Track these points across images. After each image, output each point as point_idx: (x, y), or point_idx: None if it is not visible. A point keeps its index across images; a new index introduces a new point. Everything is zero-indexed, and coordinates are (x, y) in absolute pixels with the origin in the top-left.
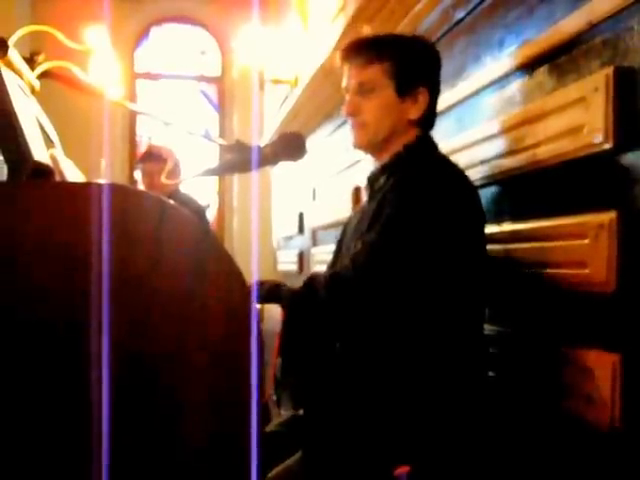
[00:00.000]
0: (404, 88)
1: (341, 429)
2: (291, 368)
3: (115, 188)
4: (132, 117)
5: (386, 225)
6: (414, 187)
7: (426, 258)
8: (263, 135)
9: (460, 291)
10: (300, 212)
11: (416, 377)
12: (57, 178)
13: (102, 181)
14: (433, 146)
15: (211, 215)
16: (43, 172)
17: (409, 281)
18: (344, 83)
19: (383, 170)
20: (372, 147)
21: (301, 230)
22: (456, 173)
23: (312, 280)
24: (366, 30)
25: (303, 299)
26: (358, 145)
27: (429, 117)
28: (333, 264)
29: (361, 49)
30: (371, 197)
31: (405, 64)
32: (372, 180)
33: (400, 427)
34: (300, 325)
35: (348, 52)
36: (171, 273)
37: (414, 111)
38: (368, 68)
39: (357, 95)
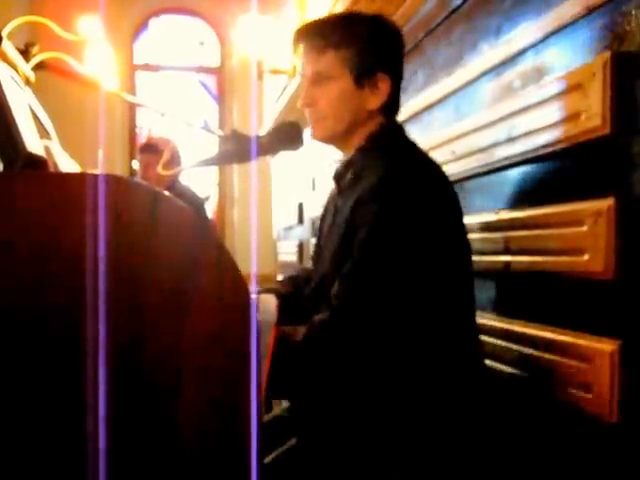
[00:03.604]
0: (362, 76)
1: (334, 426)
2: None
3: (107, 178)
4: (132, 108)
5: (361, 255)
6: (385, 203)
7: (410, 277)
8: (262, 125)
9: (449, 298)
10: (300, 202)
11: (410, 381)
12: (51, 169)
13: (95, 172)
14: (398, 133)
15: (211, 207)
16: (36, 163)
17: (398, 306)
18: (300, 68)
19: (349, 164)
20: (332, 140)
21: (301, 220)
22: (426, 171)
23: (308, 341)
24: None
25: (304, 364)
26: (316, 138)
27: (392, 104)
28: (316, 261)
29: (315, 33)
30: (340, 193)
31: (362, 50)
32: (338, 177)
33: (394, 426)
34: (305, 384)
35: (301, 36)
36: (164, 264)
37: (374, 100)
38: (322, 56)
39: (313, 85)
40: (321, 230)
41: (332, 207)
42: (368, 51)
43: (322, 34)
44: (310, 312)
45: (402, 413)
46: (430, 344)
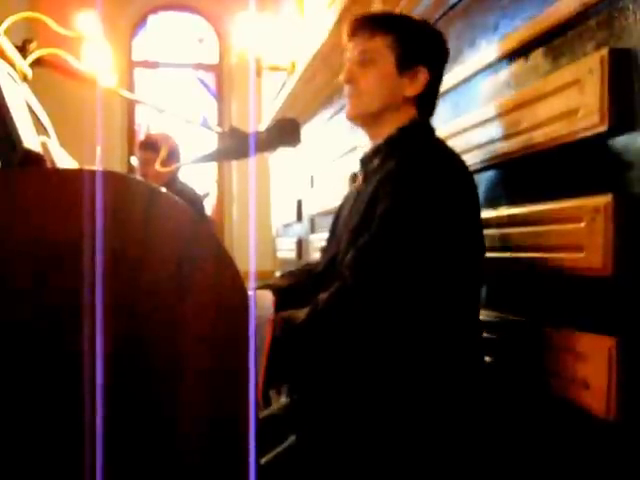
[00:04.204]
0: (404, 63)
1: (335, 417)
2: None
3: (103, 175)
4: (130, 105)
5: (379, 226)
6: (407, 181)
7: (425, 257)
8: (261, 122)
9: (459, 286)
10: (298, 199)
11: (413, 369)
12: (48, 166)
13: (92, 168)
14: (430, 130)
15: (210, 204)
16: (33, 160)
17: (410, 283)
18: (347, 55)
19: (377, 151)
20: (365, 119)
21: (299, 217)
22: (452, 161)
23: (314, 314)
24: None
25: (309, 338)
26: (351, 115)
27: (427, 99)
28: (327, 248)
29: (368, 22)
30: (365, 179)
31: (409, 41)
32: (365, 162)
33: (396, 417)
34: (310, 362)
35: (355, 25)
36: (160, 260)
37: (411, 88)
38: (372, 40)
39: (357, 64)
40: (337, 218)
41: (354, 194)
42: (414, 43)
43: (375, 22)
44: (312, 297)
45: (403, 394)
46: (435, 324)
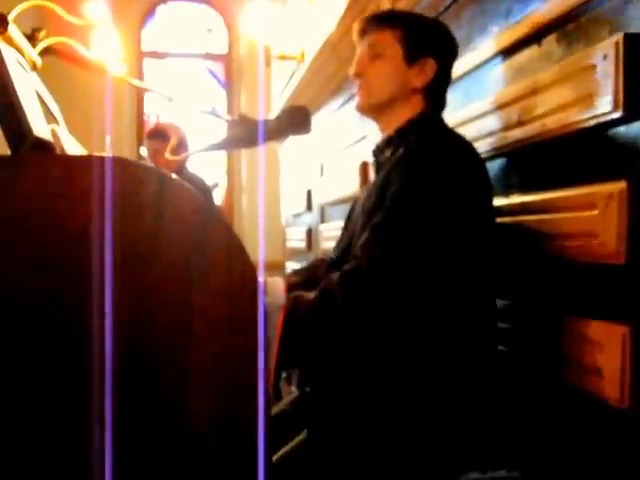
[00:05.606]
0: (412, 55)
1: (347, 411)
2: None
3: (113, 161)
4: (140, 95)
5: (392, 205)
6: (419, 161)
7: (437, 235)
8: (270, 112)
9: (473, 267)
10: (308, 189)
11: (427, 359)
12: (58, 153)
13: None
14: (440, 121)
15: (220, 195)
16: (43, 147)
17: (423, 262)
18: (357, 51)
19: (388, 143)
20: (374, 110)
21: (309, 207)
22: (463, 145)
23: (325, 291)
24: (385, 4)
25: (320, 316)
26: (360, 107)
27: (436, 91)
28: (340, 241)
29: (376, 19)
30: (377, 171)
31: (415, 33)
32: (377, 153)
33: (408, 410)
34: (321, 340)
35: (364, 23)
36: (171, 246)
37: (419, 79)
38: (380, 33)
39: (366, 58)
40: (351, 211)
41: (367, 189)
42: (420, 35)
43: (382, 18)
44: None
45: (414, 382)
46: (448, 306)
